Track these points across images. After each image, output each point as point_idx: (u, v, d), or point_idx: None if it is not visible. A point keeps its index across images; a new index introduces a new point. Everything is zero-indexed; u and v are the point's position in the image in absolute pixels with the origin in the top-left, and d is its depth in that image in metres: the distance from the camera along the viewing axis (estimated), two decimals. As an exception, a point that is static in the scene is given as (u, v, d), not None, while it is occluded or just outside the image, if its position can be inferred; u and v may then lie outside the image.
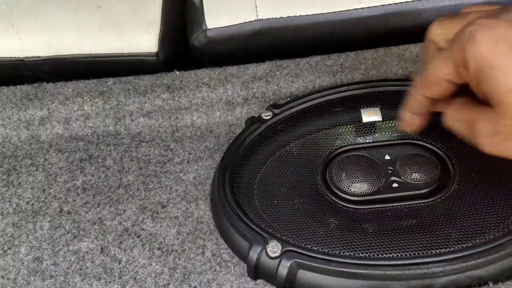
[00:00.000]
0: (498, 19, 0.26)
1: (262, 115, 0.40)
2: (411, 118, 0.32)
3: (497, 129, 0.26)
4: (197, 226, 0.36)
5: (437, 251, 0.30)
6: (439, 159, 0.36)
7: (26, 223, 0.38)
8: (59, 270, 0.34)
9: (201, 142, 0.43)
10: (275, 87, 0.45)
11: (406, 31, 0.47)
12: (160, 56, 0.48)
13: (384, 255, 0.30)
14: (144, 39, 0.48)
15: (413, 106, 0.32)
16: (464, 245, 0.30)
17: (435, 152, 0.37)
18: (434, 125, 0.38)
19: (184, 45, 0.50)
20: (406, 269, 0.29)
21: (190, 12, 0.50)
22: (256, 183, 0.36)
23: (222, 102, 0.45)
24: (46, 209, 0.38)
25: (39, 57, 0.48)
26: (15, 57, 0.49)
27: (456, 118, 0.29)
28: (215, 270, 0.33)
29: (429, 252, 0.30)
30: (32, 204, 0.39)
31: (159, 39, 0.48)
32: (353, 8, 0.46)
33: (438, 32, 0.30)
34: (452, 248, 0.30)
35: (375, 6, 0.46)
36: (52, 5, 0.50)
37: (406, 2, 0.46)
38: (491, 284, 0.29)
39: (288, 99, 0.43)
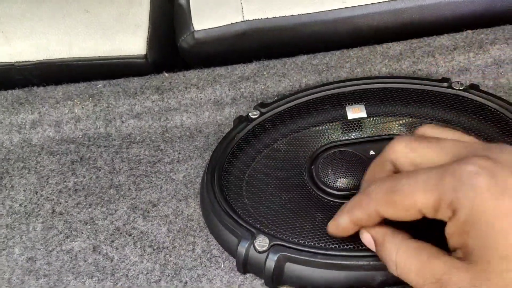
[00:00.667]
0: (501, 165, 0.22)
1: (250, 114, 0.41)
2: (348, 227, 0.28)
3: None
4: (187, 223, 0.37)
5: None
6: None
7: (20, 224, 0.38)
8: (52, 269, 0.35)
9: (191, 142, 0.43)
10: (263, 87, 0.46)
11: (389, 29, 0.49)
12: (148, 58, 0.49)
13: (368, 246, 0.31)
14: (132, 42, 0.48)
15: (360, 218, 0.27)
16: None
17: None
18: (416, 122, 0.40)
19: (172, 47, 0.51)
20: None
21: (178, 14, 0.51)
22: (245, 181, 0.37)
23: (210, 102, 0.46)
24: (39, 211, 0.39)
25: (29, 61, 0.49)
26: (5, 62, 0.49)
27: (413, 269, 0.24)
28: (205, 266, 0.34)
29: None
30: (25, 206, 0.40)
31: (147, 41, 0.49)
32: (337, 8, 0.48)
33: (404, 154, 0.27)
34: (431, 237, 0.31)
35: (358, 5, 0.47)
36: (41, 10, 0.51)
37: (389, 1, 0.47)
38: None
39: (276, 98, 0.44)
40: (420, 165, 0.26)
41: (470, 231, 0.22)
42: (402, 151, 0.27)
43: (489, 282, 0.21)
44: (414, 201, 0.24)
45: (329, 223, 0.30)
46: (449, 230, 0.24)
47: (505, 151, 0.23)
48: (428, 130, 0.29)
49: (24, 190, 0.41)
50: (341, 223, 0.28)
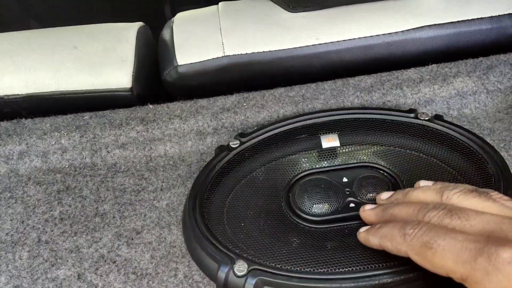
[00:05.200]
0: None
1: (230, 143, 0.43)
2: (375, 247, 0.31)
3: None
4: (170, 250, 0.38)
5: (388, 263, 0.33)
6: (391, 180, 0.40)
7: (6, 253, 0.39)
8: None
9: (174, 171, 0.45)
10: (243, 117, 0.48)
11: (360, 64, 0.52)
12: (134, 91, 0.51)
13: (341, 269, 0.33)
14: (118, 75, 0.51)
15: (389, 249, 0.30)
16: None
17: (387, 173, 0.40)
18: (386, 150, 0.42)
19: (157, 81, 0.54)
20: (360, 281, 0.32)
21: (162, 49, 0.54)
22: (226, 207, 0.39)
23: (193, 133, 0.48)
24: (25, 240, 0.40)
25: (17, 95, 0.51)
26: (-6, 96, 0.51)
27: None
28: (186, 291, 0.35)
29: (380, 265, 0.33)
30: (12, 235, 0.41)
31: (132, 75, 0.51)
32: (312, 44, 0.51)
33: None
34: (402, 261, 0.33)
35: (331, 42, 0.51)
36: (31, 46, 0.53)
37: (359, 38, 0.51)
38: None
39: (255, 128, 0.47)
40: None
41: None
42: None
43: None
44: (445, 265, 0.26)
45: (361, 231, 0.33)
46: None
47: None
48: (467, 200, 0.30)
49: (11, 220, 0.42)
50: (370, 242, 0.32)
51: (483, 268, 0.24)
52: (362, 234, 0.33)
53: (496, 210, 0.28)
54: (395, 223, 0.30)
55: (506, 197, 0.29)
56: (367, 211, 0.35)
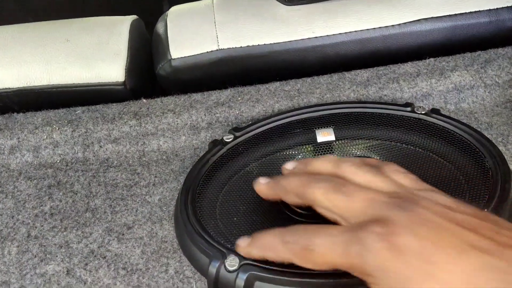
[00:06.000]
0: (397, 226, 0.25)
1: (224, 138, 0.43)
2: (257, 258, 0.31)
3: None
4: (161, 245, 0.38)
5: None
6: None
7: None
8: None
9: (167, 166, 0.45)
10: (237, 112, 0.48)
11: (356, 58, 0.51)
12: (127, 85, 0.50)
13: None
14: (111, 69, 0.50)
15: (272, 258, 0.30)
16: None
17: None
18: (382, 145, 0.42)
19: (150, 75, 0.53)
20: (354, 276, 0.31)
21: (156, 43, 0.53)
22: (218, 202, 0.38)
23: (187, 127, 0.47)
24: (14, 235, 0.40)
25: (9, 88, 0.50)
26: (-15, 90, 0.50)
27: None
28: (177, 287, 0.35)
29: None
30: (1, 230, 0.40)
31: (125, 69, 0.50)
32: (307, 37, 0.50)
33: (320, 201, 0.30)
34: None
35: (327, 35, 0.50)
36: (23, 40, 0.52)
37: (356, 31, 0.50)
38: None
39: (249, 122, 0.46)
40: (333, 214, 0.29)
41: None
42: (319, 198, 0.30)
43: None
44: (326, 262, 0.27)
45: (240, 244, 0.32)
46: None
47: (405, 209, 0.25)
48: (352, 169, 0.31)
49: (1, 215, 0.41)
50: (253, 255, 0.31)
51: (358, 254, 0.25)
52: (242, 247, 0.32)
53: (382, 185, 0.29)
54: (273, 232, 0.31)
55: (401, 170, 0.30)
56: (261, 185, 0.34)
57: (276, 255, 0.30)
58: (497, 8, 0.52)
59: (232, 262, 0.33)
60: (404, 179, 0.30)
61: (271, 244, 0.30)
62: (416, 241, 0.23)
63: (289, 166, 0.35)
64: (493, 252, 0.22)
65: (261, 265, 0.33)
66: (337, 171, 0.31)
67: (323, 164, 0.33)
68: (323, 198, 0.30)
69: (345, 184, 0.30)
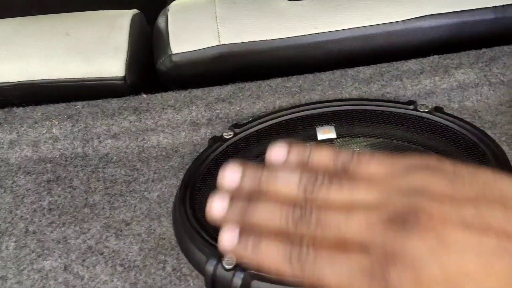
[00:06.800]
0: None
1: (224, 134, 0.42)
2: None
3: None
4: (159, 242, 0.37)
5: None
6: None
7: None
8: None
9: (166, 162, 0.44)
10: (238, 108, 0.47)
11: (359, 54, 0.50)
12: (127, 80, 0.50)
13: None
14: (111, 64, 0.50)
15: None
16: None
17: None
18: (383, 143, 0.41)
19: (151, 70, 0.53)
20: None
21: (157, 38, 0.53)
22: (217, 200, 0.38)
23: (187, 123, 0.47)
24: (13, 230, 0.39)
25: (9, 82, 0.50)
26: (-15, 83, 0.50)
27: None
28: (174, 284, 0.34)
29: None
30: None
31: (126, 64, 0.50)
32: (310, 33, 0.50)
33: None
34: None
35: (329, 31, 0.49)
36: (22, 34, 0.52)
37: (359, 27, 0.50)
38: None
39: (250, 119, 0.46)
40: None
41: None
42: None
43: None
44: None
45: (224, 241, 0.23)
46: None
47: (411, 232, 0.21)
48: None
49: None
50: (244, 258, 0.24)
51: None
52: (229, 248, 0.23)
53: (364, 198, 0.23)
54: (275, 244, 0.24)
55: (368, 160, 0.23)
56: (217, 209, 0.24)
57: (277, 269, 0.25)
58: (503, 5, 0.51)
59: (229, 261, 0.33)
60: (379, 169, 0.24)
61: (274, 258, 0.25)
62: (440, 271, 0.21)
63: (231, 176, 0.25)
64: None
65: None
66: (308, 199, 0.24)
67: (286, 186, 0.24)
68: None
69: (322, 217, 0.23)
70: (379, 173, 0.24)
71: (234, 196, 0.25)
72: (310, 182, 0.24)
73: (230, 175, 0.26)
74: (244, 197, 0.25)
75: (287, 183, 0.25)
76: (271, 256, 0.24)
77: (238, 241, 0.24)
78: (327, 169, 0.25)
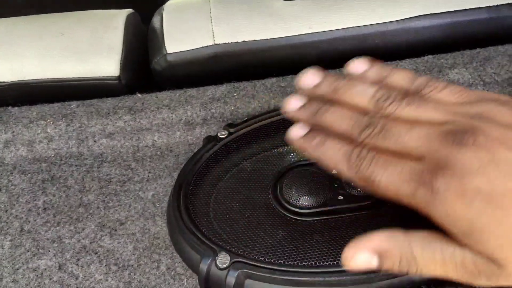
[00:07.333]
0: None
1: (218, 134, 0.42)
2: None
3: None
4: (153, 241, 0.38)
5: None
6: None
7: None
8: (18, 287, 0.35)
9: (161, 161, 0.45)
10: (233, 108, 0.47)
11: (354, 54, 0.50)
12: (122, 79, 0.50)
13: (325, 262, 0.32)
14: (106, 63, 0.50)
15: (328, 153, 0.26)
16: None
17: None
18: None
19: (145, 69, 0.53)
20: (344, 275, 0.31)
21: (151, 37, 0.53)
22: (211, 199, 0.38)
23: (182, 123, 0.47)
24: (8, 229, 0.40)
25: (3, 82, 0.50)
26: (-20, 83, 0.50)
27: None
28: (168, 283, 0.35)
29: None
30: None
31: (120, 63, 0.50)
32: (304, 33, 0.50)
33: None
34: None
35: (324, 31, 0.50)
36: (17, 33, 0.52)
37: (353, 27, 0.50)
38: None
39: (245, 118, 0.46)
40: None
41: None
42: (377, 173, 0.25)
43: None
44: (389, 195, 0.25)
45: (293, 133, 0.28)
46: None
47: (467, 145, 0.22)
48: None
49: None
50: (308, 151, 0.27)
51: (423, 199, 0.23)
52: (295, 139, 0.27)
53: (430, 116, 0.25)
54: (338, 143, 0.26)
55: (442, 87, 0.26)
56: (295, 109, 0.28)
57: (336, 167, 0.26)
58: (497, 5, 0.51)
59: (223, 260, 0.33)
60: (450, 96, 0.25)
61: (335, 156, 0.26)
62: (485, 184, 0.21)
63: (309, 80, 0.28)
64: None
65: (252, 262, 0.33)
66: (378, 110, 0.26)
67: (358, 97, 0.27)
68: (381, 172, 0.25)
69: (391, 127, 0.25)
70: (450, 99, 0.26)
71: (311, 98, 0.28)
72: (383, 97, 0.27)
73: (310, 78, 0.29)
74: (318, 99, 0.28)
75: (362, 95, 0.28)
76: (332, 153, 0.27)
77: (306, 135, 0.27)
78: (401, 89, 0.27)
